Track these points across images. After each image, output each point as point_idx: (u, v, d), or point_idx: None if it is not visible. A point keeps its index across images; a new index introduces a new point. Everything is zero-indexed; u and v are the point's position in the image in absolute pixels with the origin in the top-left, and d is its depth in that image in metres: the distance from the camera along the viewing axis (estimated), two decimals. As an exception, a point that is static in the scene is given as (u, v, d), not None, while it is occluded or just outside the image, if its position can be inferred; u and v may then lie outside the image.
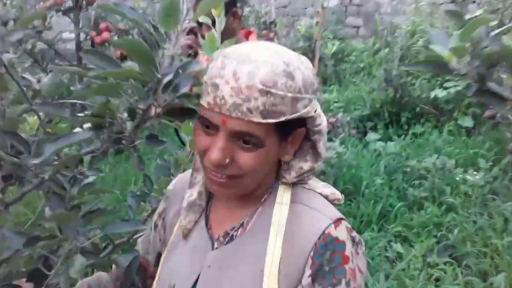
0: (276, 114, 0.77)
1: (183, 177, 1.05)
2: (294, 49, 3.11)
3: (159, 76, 0.77)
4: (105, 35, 3.40)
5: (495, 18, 0.82)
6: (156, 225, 1.06)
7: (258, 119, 0.76)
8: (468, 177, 3.95)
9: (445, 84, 4.98)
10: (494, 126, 4.74)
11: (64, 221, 0.93)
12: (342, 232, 0.86)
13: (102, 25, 3.38)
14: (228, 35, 2.25)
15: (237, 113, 0.76)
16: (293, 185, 0.91)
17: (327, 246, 0.84)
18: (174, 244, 0.97)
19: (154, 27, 0.78)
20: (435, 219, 3.65)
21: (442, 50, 0.87)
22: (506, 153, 4.29)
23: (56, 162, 0.91)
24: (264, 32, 4.25)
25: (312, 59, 3.23)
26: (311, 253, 0.84)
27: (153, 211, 1.22)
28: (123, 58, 3.58)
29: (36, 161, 0.79)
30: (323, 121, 0.88)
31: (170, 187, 1.06)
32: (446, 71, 0.89)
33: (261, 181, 0.89)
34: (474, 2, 5.43)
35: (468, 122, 4.95)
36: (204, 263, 0.90)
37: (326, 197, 0.92)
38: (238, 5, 2.37)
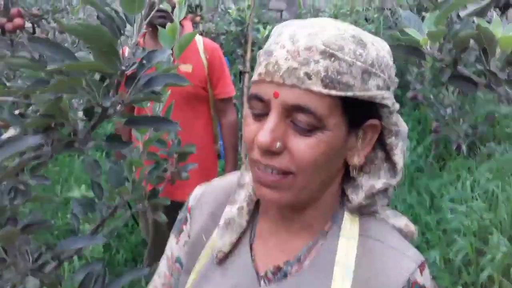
0: (341, 85, 0.61)
1: (213, 187, 0.86)
2: (225, 33, 3.04)
3: (123, 68, 0.67)
4: (18, 21, 3.09)
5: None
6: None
7: (318, 87, 0.60)
8: (395, 156, 4.11)
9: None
10: (416, 106, 4.98)
11: (9, 241, 0.80)
12: (427, 279, 0.69)
13: (14, 10, 3.07)
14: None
15: (292, 79, 0.60)
16: (360, 213, 0.73)
17: None
18: (206, 268, 0.78)
19: (115, 11, 0.67)
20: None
21: (417, 34, 0.84)
22: (428, 132, 4.54)
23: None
24: (190, 15, 4.11)
25: (245, 44, 3.16)
26: None
27: (103, 221, 1.09)
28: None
29: (-22, 174, 0.66)
30: (402, 123, 0.70)
31: (194, 198, 0.86)
32: (419, 55, 0.87)
33: (319, 195, 0.71)
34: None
35: (390, 102, 5.15)
36: None
37: (399, 230, 0.74)
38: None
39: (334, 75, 0.60)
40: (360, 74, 0.62)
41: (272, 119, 0.62)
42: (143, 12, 0.67)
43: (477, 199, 3.28)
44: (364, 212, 0.72)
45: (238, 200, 0.78)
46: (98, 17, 0.67)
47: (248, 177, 0.79)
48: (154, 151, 1.49)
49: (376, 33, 5.61)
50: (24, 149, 0.69)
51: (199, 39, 2.31)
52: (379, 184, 0.70)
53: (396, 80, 0.69)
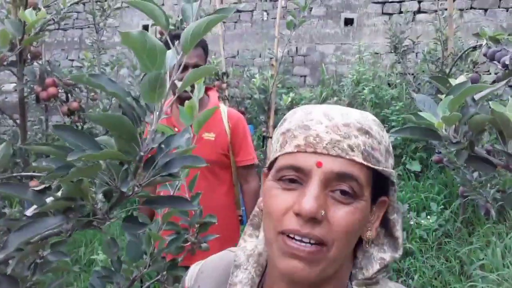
0: (374, 160, 0.66)
1: (211, 266, 0.86)
2: (249, 100, 3.10)
3: (141, 153, 0.70)
4: (52, 90, 3.24)
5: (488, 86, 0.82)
6: None
7: (359, 159, 0.65)
8: (422, 221, 4.02)
9: (391, 131, 5.15)
10: (441, 169, 4.91)
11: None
12: None
13: (48, 80, 3.23)
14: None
15: (336, 150, 0.64)
16: (365, 284, 0.74)
17: None
18: None
19: (135, 99, 0.71)
20: (394, 265, 3.66)
21: (431, 117, 0.85)
22: (455, 196, 4.44)
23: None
24: (216, 83, 4.25)
25: (268, 111, 3.23)
26: None
27: (121, 292, 1.09)
28: (70, 113, 3.42)
29: (0, 255, 0.68)
30: (398, 202, 0.76)
31: (190, 278, 0.87)
32: (435, 137, 0.88)
33: (335, 275, 0.71)
34: (413, 51, 5.72)
35: (416, 166, 5.10)
36: None
37: None
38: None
39: (370, 150, 0.66)
40: (384, 152, 0.68)
41: (315, 187, 0.65)
42: (162, 101, 0.71)
43: (508, 267, 3.14)
44: (368, 283, 0.74)
45: (238, 283, 0.77)
46: (120, 106, 0.71)
47: (243, 257, 0.79)
48: (175, 221, 1.51)
49: (399, 98, 5.66)
50: (43, 231, 0.70)
51: (223, 109, 2.38)
52: (387, 257, 0.74)
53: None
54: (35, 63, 2.98)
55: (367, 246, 0.74)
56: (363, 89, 5.66)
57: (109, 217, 0.77)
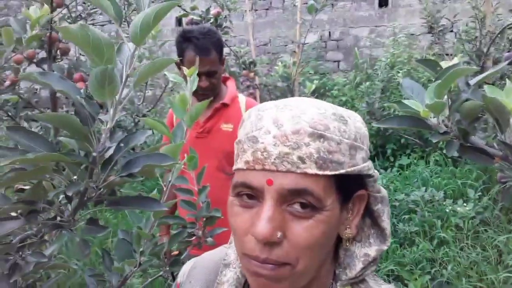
0: (333, 164, 0.60)
1: (204, 263, 0.84)
2: (273, 89, 3.03)
3: (94, 154, 0.66)
4: (80, 85, 3.31)
5: (476, 66, 0.73)
6: None
7: (313, 170, 0.59)
8: (458, 208, 3.86)
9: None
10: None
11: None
12: None
13: (76, 75, 3.29)
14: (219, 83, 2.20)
15: (286, 165, 0.59)
16: (350, 284, 0.71)
17: None
18: None
19: (88, 97, 0.68)
20: (428, 255, 3.54)
21: (417, 105, 0.77)
22: (494, 182, 4.23)
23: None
24: (244, 72, 4.20)
25: (291, 99, 3.16)
26: None
27: (113, 290, 1.08)
28: (100, 107, 3.50)
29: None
30: (382, 190, 0.70)
31: (183, 274, 0.84)
32: (424, 126, 0.80)
33: (316, 275, 0.67)
34: (451, 31, 5.47)
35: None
36: None
37: None
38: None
39: (326, 155, 0.59)
40: (348, 151, 0.62)
41: (268, 208, 0.59)
42: (116, 97, 0.67)
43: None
44: (353, 282, 0.71)
45: (225, 282, 0.75)
46: (73, 104, 0.68)
47: (233, 255, 0.77)
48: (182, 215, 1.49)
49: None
50: (3, 234, 0.69)
51: (242, 100, 2.33)
52: (372, 251, 0.70)
53: (367, 136, 0.69)
54: (64, 60, 3.04)
55: (347, 244, 0.70)
56: (398, 72, 5.47)
57: (74, 219, 0.75)
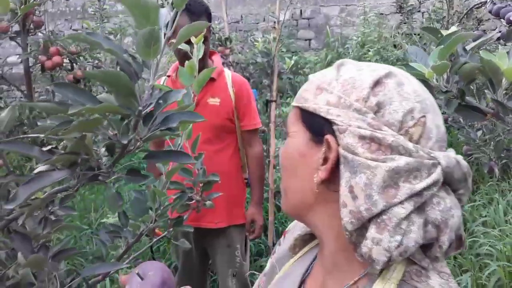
0: (302, 99, 0.72)
1: None
2: (252, 65, 3.10)
3: (140, 108, 0.73)
4: (56, 59, 3.25)
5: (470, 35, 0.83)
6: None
7: (294, 103, 0.75)
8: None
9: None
10: (446, 129, 4.90)
11: (38, 267, 0.86)
12: None
13: (52, 49, 3.24)
14: (202, 58, 2.25)
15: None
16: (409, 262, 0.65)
17: None
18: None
19: (132, 56, 0.73)
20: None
21: (422, 67, 0.87)
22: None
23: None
24: (219, 48, 4.22)
25: (271, 74, 3.23)
26: None
27: (128, 248, 1.15)
28: (76, 82, 3.46)
29: (10, 206, 0.72)
30: (364, 154, 0.61)
31: (294, 222, 0.93)
32: (427, 87, 0.89)
33: (312, 221, 0.72)
34: (419, 11, 5.64)
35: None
36: None
37: None
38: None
39: (301, 92, 0.73)
40: (314, 90, 0.70)
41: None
42: (158, 57, 0.73)
43: (510, 223, 3.19)
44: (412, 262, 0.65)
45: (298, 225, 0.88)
46: (117, 63, 0.73)
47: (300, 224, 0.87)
48: (180, 180, 1.55)
49: (404, 59, 5.60)
50: (49, 183, 0.75)
51: (228, 74, 2.40)
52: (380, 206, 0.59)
53: (370, 97, 0.63)
54: (38, 33, 2.99)
55: (316, 190, 0.67)
56: (368, 51, 5.61)
57: (113, 171, 0.81)
